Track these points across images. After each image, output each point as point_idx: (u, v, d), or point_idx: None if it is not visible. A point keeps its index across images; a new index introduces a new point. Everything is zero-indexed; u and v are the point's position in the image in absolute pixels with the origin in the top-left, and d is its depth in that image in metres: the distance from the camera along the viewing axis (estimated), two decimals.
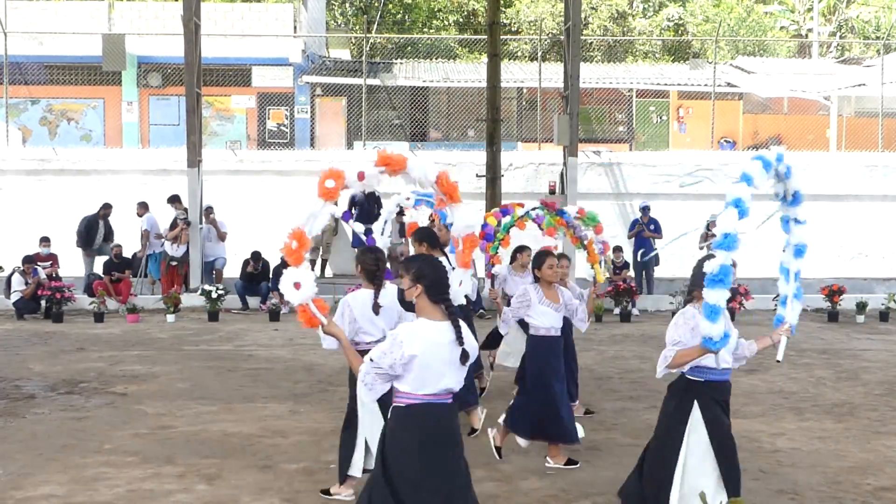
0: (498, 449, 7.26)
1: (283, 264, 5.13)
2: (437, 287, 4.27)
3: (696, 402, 5.28)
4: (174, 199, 17.14)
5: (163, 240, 16.95)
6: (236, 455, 7.27)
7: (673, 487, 5.24)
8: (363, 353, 4.58)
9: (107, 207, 17.40)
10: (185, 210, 17.02)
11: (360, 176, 5.11)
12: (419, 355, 4.12)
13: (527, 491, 6.46)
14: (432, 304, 4.25)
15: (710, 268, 4.67)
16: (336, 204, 5.10)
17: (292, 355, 11.49)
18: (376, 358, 4.17)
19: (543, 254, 7.26)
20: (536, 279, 7.22)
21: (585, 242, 9.20)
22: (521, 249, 9.52)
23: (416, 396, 4.20)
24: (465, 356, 4.21)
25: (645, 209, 17.24)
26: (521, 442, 7.20)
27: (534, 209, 9.69)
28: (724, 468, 5.25)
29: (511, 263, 9.57)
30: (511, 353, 9.01)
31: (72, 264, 17.24)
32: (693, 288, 5.22)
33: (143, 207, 17.25)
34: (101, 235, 17.33)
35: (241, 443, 7.66)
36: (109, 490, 6.31)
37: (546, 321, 7.09)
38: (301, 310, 4.66)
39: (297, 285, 4.65)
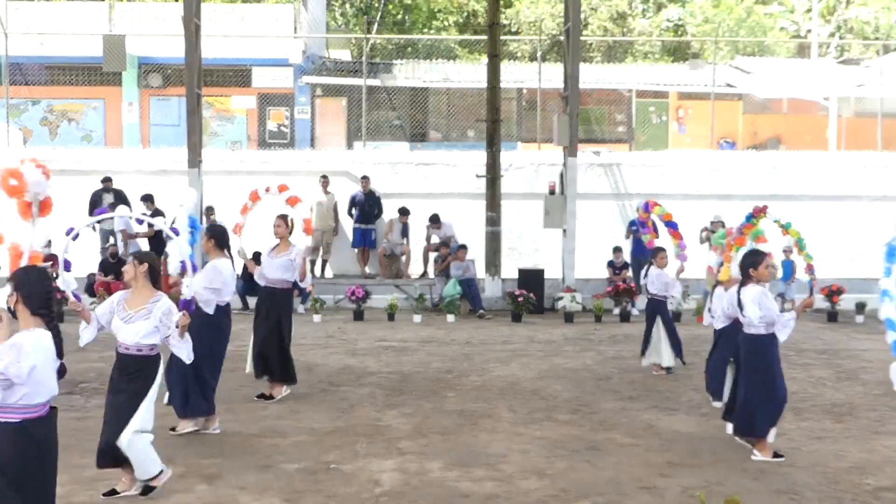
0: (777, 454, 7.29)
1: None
2: (34, 298, 4.31)
3: None
4: (147, 199, 17.05)
5: (136, 240, 16.87)
6: (236, 455, 7.27)
7: None
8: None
9: (106, 181, 17.35)
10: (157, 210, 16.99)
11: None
12: (38, 365, 4.21)
13: (527, 491, 6.46)
14: (32, 314, 4.30)
15: None
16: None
17: (291, 355, 11.46)
18: (3, 368, 4.18)
19: (760, 253, 7.30)
20: (748, 278, 7.20)
21: None
22: (662, 250, 11.23)
23: (30, 409, 4.26)
24: (62, 370, 4.35)
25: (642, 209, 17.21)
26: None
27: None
28: None
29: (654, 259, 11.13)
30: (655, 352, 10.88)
31: (72, 264, 17.20)
32: None
33: (114, 208, 17.12)
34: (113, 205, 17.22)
35: (241, 443, 7.66)
36: None
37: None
38: None
39: None
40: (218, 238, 8.14)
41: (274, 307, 9.39)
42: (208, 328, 7.85)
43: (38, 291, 4.33)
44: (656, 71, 28.72)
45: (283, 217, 9.58)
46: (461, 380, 10.46)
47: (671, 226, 11.64)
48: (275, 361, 9.28)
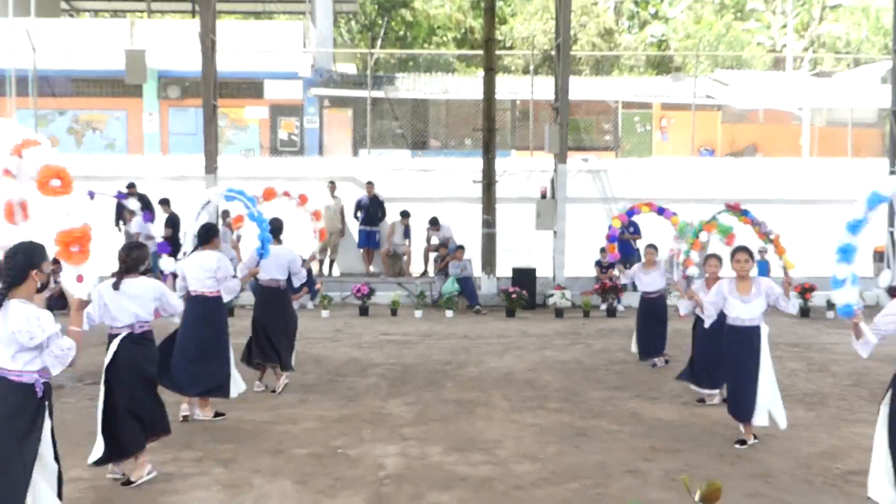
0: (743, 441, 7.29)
1: None
2: None
3: (890, 390, 5.09)
4: (164, 202, 17.07)
5: (153, 240, 16.81)
6: (250, 441, 7.30)
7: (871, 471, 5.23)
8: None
9: (131, 186, 17.27)
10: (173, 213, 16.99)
11: None
12: None
13: (520, 474, 6.49)
14: None
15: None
16: None
17: (301, 348, 11.48)
18: None
19: (735, 249, 7.42)
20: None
21: (772, 238, 9.41)
22: (649, 247, 11.07)
23: None
24: None
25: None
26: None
27: (720, 213, 9.90)
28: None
29: (643, 262, 11.24)
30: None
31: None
32: None
33: (130, 213, 17.07)
34: (138, 211, 17.12)
35: (254, 429, 7.69)
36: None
37: (733, 312, 7.19)
38: None
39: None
40: (196, 235, 8.42)
41: (259, 301, 9.58)
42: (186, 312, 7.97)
43: None
44: (641, 83, 28.75)
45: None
46: (459, 371, 10.49)
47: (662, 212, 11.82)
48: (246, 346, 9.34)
